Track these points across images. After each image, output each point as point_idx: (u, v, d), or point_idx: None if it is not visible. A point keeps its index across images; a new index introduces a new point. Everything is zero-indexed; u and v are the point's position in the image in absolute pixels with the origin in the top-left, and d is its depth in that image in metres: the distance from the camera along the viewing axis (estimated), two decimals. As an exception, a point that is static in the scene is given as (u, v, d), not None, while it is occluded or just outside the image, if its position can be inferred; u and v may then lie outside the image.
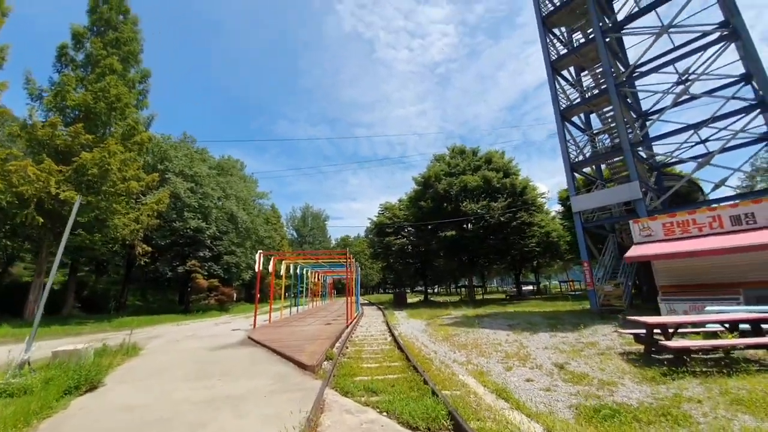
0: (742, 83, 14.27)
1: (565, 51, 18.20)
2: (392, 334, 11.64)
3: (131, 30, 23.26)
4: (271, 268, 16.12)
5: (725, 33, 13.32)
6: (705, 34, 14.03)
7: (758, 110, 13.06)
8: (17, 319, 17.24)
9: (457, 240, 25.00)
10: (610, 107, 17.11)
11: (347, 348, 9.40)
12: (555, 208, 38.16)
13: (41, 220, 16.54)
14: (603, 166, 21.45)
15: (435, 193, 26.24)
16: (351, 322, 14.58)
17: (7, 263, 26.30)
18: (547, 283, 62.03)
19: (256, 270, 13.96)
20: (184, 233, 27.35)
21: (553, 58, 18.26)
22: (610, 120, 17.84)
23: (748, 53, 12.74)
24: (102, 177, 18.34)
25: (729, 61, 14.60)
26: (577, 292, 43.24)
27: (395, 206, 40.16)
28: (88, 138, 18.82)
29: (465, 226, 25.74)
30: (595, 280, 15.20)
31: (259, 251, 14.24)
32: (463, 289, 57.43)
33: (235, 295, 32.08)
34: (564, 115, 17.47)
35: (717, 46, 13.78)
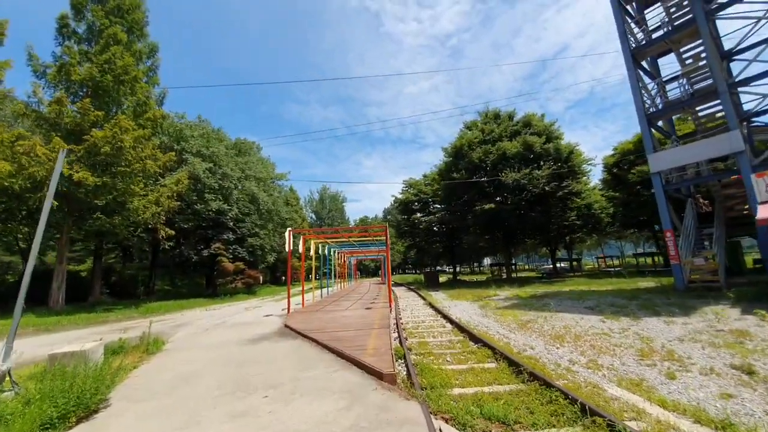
0: None
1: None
2: (450, 320, 9.90)
3: (133, -5, 21.33)
4: (300, 247, 14.58)
5: None
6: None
7: None
8: (42, 308, 16.58)
9: (495, 214, 22.73)
10: (695, 43, 14.20)
11: (406, 339, 7.73)
12: (594, 177, 34.87)
13: (56, 203, 15.44)
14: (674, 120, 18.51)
15: (468, 163, 23.82)
16: (393, 306, 12.97)
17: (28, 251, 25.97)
18: (580, 259, 58.46)
19: (287, 249, 12.41)
20: (207, 215, 26.32)
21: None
22: (690, 61, 14.90)
23: None
24: (115, 156, 17.00)
25: None
26: (616, 269, 40.37)
27: (420, 182, 37.98)
28: (98, 115, 17.41)
29: (503, 198, 23.39)
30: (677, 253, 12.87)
31: (288, 229, 12.66)
32: (491, 268, 55.46)
33: (261, 277, 31.31)
34: (635, 56, 14.63)
35: None
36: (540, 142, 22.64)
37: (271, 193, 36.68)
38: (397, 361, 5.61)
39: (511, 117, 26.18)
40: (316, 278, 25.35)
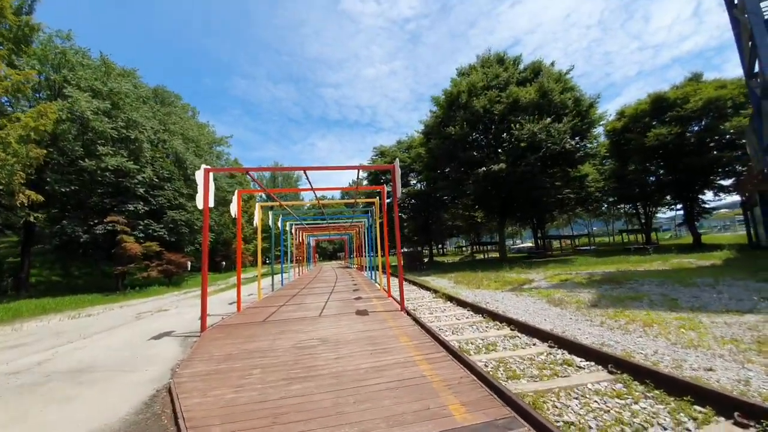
0: None
1: None
2: (564, 345, 4.59)
3: None
4: (234, 208, 8.29)
5: None
6: None
7: None
8: None
9: (504, 177, 17.74)
10: None
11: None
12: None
13: None
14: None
15: (470, 113, 18.57)
16: (403, 307, 7.38)
17: None
18: (560, 237, 56.00)
19: (199, 205, 6.16)
20: (102, 177, 18.26)
21: None
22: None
23: None
24: None
25: None
26: (590, 247, 38.73)
27: (392, 149, 32.31)
28: None
29: (509, 159, 18.58)
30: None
31: (203, 166, 6.36)
32: (461, 249, 52.46)
33: (189, 263, 23.82)
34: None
35: None
36: (558, 90, 18.02)
37: (205, 159, 28.71)
38: None
39: (516, 62, 21.14)
40: (264, 262, 18.81)
